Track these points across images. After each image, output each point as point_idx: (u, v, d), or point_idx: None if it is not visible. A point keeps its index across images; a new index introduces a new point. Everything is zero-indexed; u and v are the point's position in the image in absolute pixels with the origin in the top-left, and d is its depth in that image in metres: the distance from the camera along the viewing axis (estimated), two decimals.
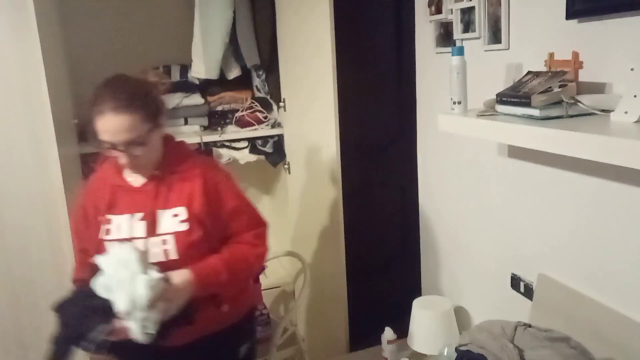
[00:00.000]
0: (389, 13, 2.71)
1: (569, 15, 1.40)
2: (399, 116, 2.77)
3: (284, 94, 2.74)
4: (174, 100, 2.63)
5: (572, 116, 1.28)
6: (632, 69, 1.17)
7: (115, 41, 2.83)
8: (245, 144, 2.80)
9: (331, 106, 2.12)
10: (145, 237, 1.51)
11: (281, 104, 2.75)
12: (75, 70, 2.73)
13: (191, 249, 1.52)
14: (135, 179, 1.57)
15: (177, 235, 1.51)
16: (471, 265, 2.03)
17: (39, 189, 1.96)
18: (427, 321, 1.89)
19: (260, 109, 2.82)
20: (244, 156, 2.81)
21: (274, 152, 2.85)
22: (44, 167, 1.95)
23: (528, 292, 1.72)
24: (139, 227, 1.52)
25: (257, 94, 2.89)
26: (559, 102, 1.30)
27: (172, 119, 2.60)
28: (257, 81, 2.87)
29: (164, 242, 1.51)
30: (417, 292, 2.44)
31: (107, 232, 1.54)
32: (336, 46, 2.07)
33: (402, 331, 1.98)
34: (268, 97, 2.88)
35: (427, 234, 2.37)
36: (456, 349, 1.49)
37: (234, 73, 2.78)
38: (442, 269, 2.26)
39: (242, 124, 2.78)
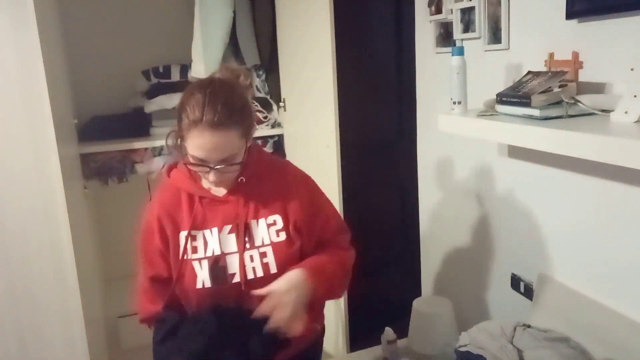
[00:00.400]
0: (389, 13, 2.71)
1: (569, 15, 1.40)
2: (399, 116, 2.78)
3: (284, 94, 2.74)
4: (174, 100, 2.64)
5: (572, 116, 1.28)
6: (632, 69, 1.17)
7: (115, 41, 2.84)
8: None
9: (331, 106, 2.11)
10: (239, 252, 1.36)
11: (281, 104, 2.75)
12: (75, 70, 2.74)
13: (290, 261, 1.38)
14: (216, 188, 1.40)
15: (276, 246, 1.38)
16: (471, 265, 2.03)
17: (39, 189, 1.96)
18: (427, 321, 1.89)
19: (260, 109, 2.82)
20: None
21: (273, 152, 2.85)
22: (44, 167, 1.94)
23: (528, 292, 1.72)
24: (230, 241, 1.37)
25: (257, 94, 2.89)
26: (559, 102, 1.30)
27: (172, 119, 2.61)
28: (257, 81, 2.87)
29: (264, 254, 1.37)
30: (417, 292, 2.44)
31: (194, 250, 1.37)
32: (336, 46, 2.06)
33: (402, 331, 1.97)
34: (268, 97, 2.89)
35: (427, 234, 2.36)
36: (455, 350, 1.49)
37: None
38: (442, 269, 2.26)
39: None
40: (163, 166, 1.50)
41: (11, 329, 2.02)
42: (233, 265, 1.36)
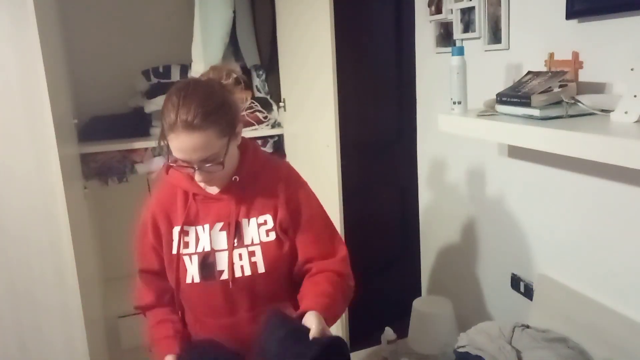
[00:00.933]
0: (389, 13, 2.71)
1: (569, 15, 1.40)
2: (399, 116, 2.78)
3: (284, 94, 2.74)
4: None
5: (572, 116, 1.28)
6: (632, 69, 1.17)
7: (115, 41, 2.83)
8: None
9: (331, 106, 2.11)
10: (228, 249, 1.38)
11: (281, 104, 2.75)
12: (75, 70, 2.73)
13: (279, 262, 1.40)
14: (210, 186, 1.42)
15: (265, 246, 1.38)
16: (471, 265, 2.03)
17: (39, 189, 1.96)
18: (427, 321, 1.89)
19: (260, 109, 2.82)
20: None
21: (274, 152, 2.85)
22: (44, 167, 1.94)
23: (528, 292, 1.72)
24: (221, 238, 1.39)
25: (257, 94, 2.89)
26: (559, 102, 1.30)
27: None
28: (257, 81, 2.87)
29: (252, 253, 1.38)
30: (417, 292, 2.44)
31: (185, 245, 1.40)
32: (336, 46, 2.06)
33: (402, 331, 1.98)
34: (268, 97, 2.89)
35: (427, 234, 2.36)
36: (454, 351, 1.49)
37: None
38: (442, 269, 2.26)
39: (242, 124, 2.78)
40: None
41: (11, 329, 2.02)
42: (222, 262, 1.38)
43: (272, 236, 1.40)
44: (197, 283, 1.38)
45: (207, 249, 1.38)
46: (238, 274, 1.37)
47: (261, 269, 1.38)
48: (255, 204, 1.41)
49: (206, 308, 1.41)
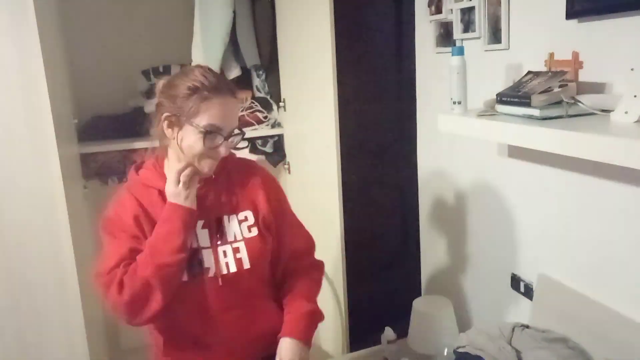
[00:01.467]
0: (389, 13, 2.71)
1: (569, 15, 1.40)
2: (399, 116, 2.78)
3: (284, 94, 2.74)
4: None
5: (572, 116, 1.28)
6: (632, 69, 1.17)
7: (115, 41, 2.83)
8: (245, 144, 2.81)
9: (331, 106, 2.11)
10: (212, 247, 1.39)
11: (281, 104, 2.75)
12: (75, 70, 2.73)
13: (262, 257, 1.44)
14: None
15: (249, 242, 1.41)
16: (471, 265, 2.03)
17: (39, 189, 1.96)
18: (427, 321, 1.89)
19: (260, 109, 2.82)
20: (244, 156, 2.81)
21: (274, 152, 2.85)
22: (44, 167, 1.94)
23: (528, 292, 1.72)
24: (204, 236, 1.40)
25: (257, 94, 2.89)
26: (559, 102, 1.29)
27: None
28: (257, 81, 2.87)
29: (236, 250, 1.40)
30: (417, 292, 2.44)
31: None
32: (336, 46, 2.06)
33: (402, 331, 1.98)
34: (268, 97, 2.89)
35: (427, 234, 2.36)
36: (454, 351, 1.49)
37: (234, 73, 2.78)
38: (442, 269, 2.26)
39: (242, 124, 2.78)
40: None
41: (11, 329, 2.02)
42: (208, 260, 1.39)
43: (255, 232, 1.42)
44: (184, 282, 1.37)
45: (194, 246, 1.38)
46: (224, 271, 1.38)
47: (246, 264, 1.39)
48: (234, 200, 1.43)
49: (193, 307, 1.41)
